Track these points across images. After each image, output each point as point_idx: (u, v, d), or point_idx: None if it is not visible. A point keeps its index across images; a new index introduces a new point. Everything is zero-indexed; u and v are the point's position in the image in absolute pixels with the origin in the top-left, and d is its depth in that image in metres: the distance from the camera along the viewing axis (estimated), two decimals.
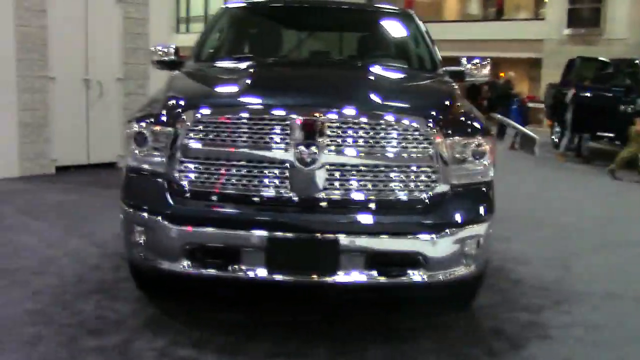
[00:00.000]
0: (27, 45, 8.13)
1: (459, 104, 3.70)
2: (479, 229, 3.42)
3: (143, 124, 3.46)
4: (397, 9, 5.48)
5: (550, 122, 15.50)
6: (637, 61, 12.70)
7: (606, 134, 12.51)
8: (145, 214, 3.36)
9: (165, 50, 4.66)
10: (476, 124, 3.55)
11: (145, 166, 3.46)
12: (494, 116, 7.52)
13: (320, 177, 3.21)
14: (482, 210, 3.47)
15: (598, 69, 13.91)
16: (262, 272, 3.22)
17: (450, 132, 3.35)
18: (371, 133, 3.22)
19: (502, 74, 25.30)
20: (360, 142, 3.22)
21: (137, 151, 3.48)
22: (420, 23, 5.09)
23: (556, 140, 14.09)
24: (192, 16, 34.33)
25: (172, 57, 4.64)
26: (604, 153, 12.86)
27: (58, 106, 8.49)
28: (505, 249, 5.54)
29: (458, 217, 3.34)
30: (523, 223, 6.68)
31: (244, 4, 5.31)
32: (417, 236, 3.25)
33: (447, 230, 3.28)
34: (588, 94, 12.70)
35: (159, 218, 3.29)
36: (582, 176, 10.96)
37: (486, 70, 4.65)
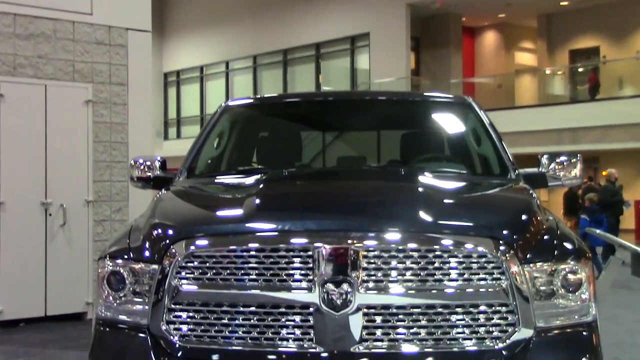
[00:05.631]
0: None
1: (539, 218, 3.74)
2: None
3: (119, 261, 3.56)
4: (451, 97, 5.67)
5: None
6: None
7: None
8: None
9: (149, 163, 4.87)
10: (566, 245, 3.58)
11: (122, 317, 3.52)
12: (591, 232, 7.51)
13: (356, 324, 3.23)
14: None
15: None
16: None
17: (529, 256, 3.38)
18: (423, 263, 3.26)
19: (603, 173, 25.38)
20: (409, 275, 3.25)
21: (111, 297, 3.55)
22: (483, 114, 5.21)
23: None
24: (184, 117, 35.60)
25: (158, 173, 4.84)
26: None
27: (6, 239, 8.75)
28: None
29: None
30: None
31: (250, 101, 5.55)
32: None
33: None
34: None
35: None
36: None
37: (577, 171, 4.74)
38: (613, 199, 15.99)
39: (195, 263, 3.34)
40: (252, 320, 3.29)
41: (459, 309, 3.27)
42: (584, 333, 3.49)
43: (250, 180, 4.30)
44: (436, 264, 3.27)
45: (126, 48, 9.80)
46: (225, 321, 3.31)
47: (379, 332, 3.25)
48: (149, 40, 10.15)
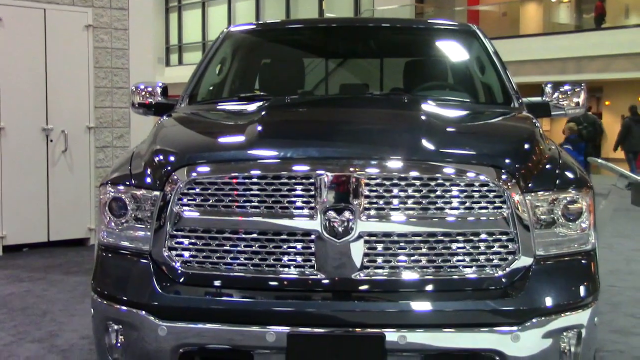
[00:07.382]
0: None
1: (541, 147, 3.74)
2: (578, 317, 3.40)
3: (121, 187, 3.57)
4: (455, 24, 5.62)
5: None
6: None
7: None
8: (124, 307, 3.43)
9: (150, 89, 4.85)
10: (568, 174, 3.58)
11: (124, 243, 3.54)
12: (593, 161, 7.56)
13: (357, 251, 3.25)
14: (582, 290, 3.45)
15: None
16: None
17: (531, 185, 3.39)
18: (424, 191, 3.27)
19: (607, 104, 25.21)
20: (410, 203, 3.26)
21: (113, 223, 3.57)
22: (488, 42, 5.20)
23: None
24: (185, 44, 35.25)
25: (159, 99, 4.83)
26: None
27: (8, 165, 8.76)
28: None
29: (548, 301, 3.33)
30: None
31: (253, 27, 5.50)
32: (493, 329, 3.25)
33: (535, 320, 3.27)
34: None
35: (143, 312, 3.35)
36: None
37: (580, 100, 4.72)
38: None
39: (197, 190, 3.34)
40: (253, 247, 3.31)
41: (460, 237, 3.29)
42: (583, 261, 3.52)
43: (252, 107, 4.28)
44: (438, 192, 3.27)
45: None
46: (227, 248, 3.33)
47: (380, 259, 3.28)
48: None
